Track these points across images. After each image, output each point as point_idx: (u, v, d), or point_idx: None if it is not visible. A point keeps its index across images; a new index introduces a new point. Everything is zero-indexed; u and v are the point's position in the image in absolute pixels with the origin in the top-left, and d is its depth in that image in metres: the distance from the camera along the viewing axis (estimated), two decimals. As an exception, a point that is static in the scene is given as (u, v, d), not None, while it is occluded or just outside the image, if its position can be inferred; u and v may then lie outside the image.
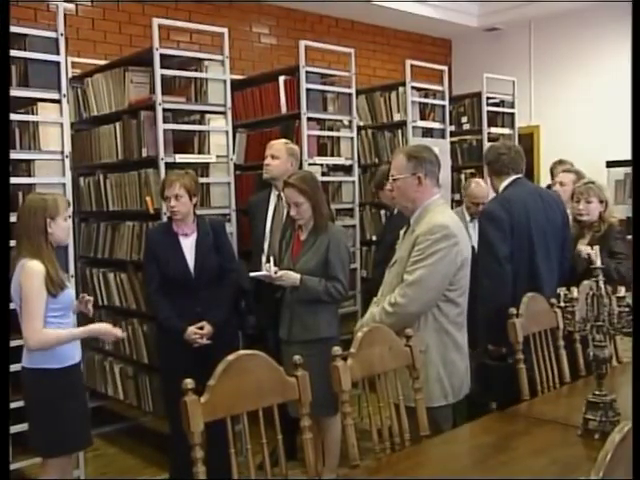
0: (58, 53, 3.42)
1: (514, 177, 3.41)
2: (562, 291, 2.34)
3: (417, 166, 2.78)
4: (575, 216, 3.77)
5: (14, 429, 3.26)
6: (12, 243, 3.06)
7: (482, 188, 4.43)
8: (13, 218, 3.08)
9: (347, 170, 4.67)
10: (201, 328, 3.41)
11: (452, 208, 4.46)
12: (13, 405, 3.20)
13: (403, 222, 2.97)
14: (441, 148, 4.48)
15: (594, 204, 3.72)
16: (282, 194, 3.56)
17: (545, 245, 3.35)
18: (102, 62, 4.60)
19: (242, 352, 2.08)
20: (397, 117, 5.20)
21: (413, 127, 4.98)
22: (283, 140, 4.00)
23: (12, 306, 3.04)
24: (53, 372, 2.85)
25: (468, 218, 4.41)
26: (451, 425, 2.75)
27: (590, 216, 3.73)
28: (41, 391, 2.87)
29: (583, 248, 3.56)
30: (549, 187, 4.62)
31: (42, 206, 2.85)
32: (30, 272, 2.77)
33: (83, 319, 3.33)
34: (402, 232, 2.96)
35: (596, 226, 3.71)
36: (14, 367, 3.01)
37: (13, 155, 3.27)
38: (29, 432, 3.00)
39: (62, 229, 2.91)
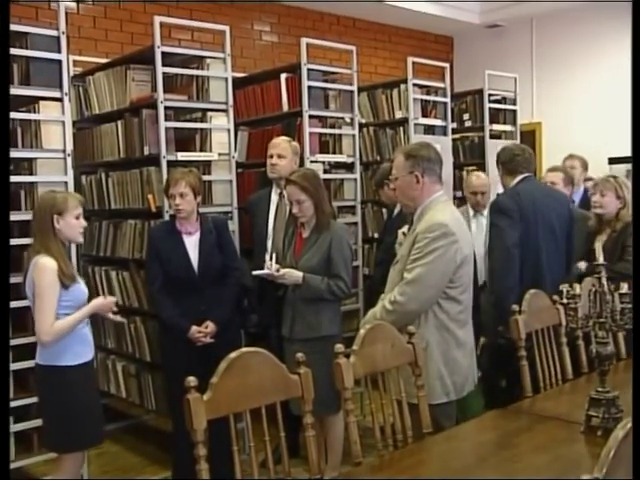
0: (60, 51, 3.41)
1: (525, 175, 3.54)
2: (565, 288, 2.34)
3: (414, 165, 2.78)
4: (593, 209, 3.83)
5: (19, 427, 3.27)
6: (12, 242, 3.07)
7: (482, 180, 4.48)
8: (13, 217, 3.09)
9: (349, 167, 4.66)
10: (205, 327, 3.42)
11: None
12: (19, 403, 3.21)
13: (403, 223, 2.98)
14: (443, 145, 4.47)
15: (608, 198, 3.76)
16: (284, 192, 3.55)
17: (554, 240, 3.44)
18: (104, 60, 4.59)
19: (245, 350, 2.07)
20: (399, 114, 5.20)
21: (415, 124, 4.96)
22: (286, 138, 3.99)
23: (14, 305, 3.06)
24: (66, 369, 2.86)
25: (472, 212, 4.43)
26: (454, 422, 2.75)
27: (604, 209, 3.77)
28: (55, 388, 2.88)
29: (580, 264, 3.65)
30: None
31: (50, 203, 2.87)
32: (42, 268, 2.78)
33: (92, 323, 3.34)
34: (400, 231, 2.96)
35: (613, 225, 3.74)
36: (25, 364, 3.01)
37: (15, 154, 3.27)
38: (43, 428, 3.02)
39: (71, 227, 2.89)
